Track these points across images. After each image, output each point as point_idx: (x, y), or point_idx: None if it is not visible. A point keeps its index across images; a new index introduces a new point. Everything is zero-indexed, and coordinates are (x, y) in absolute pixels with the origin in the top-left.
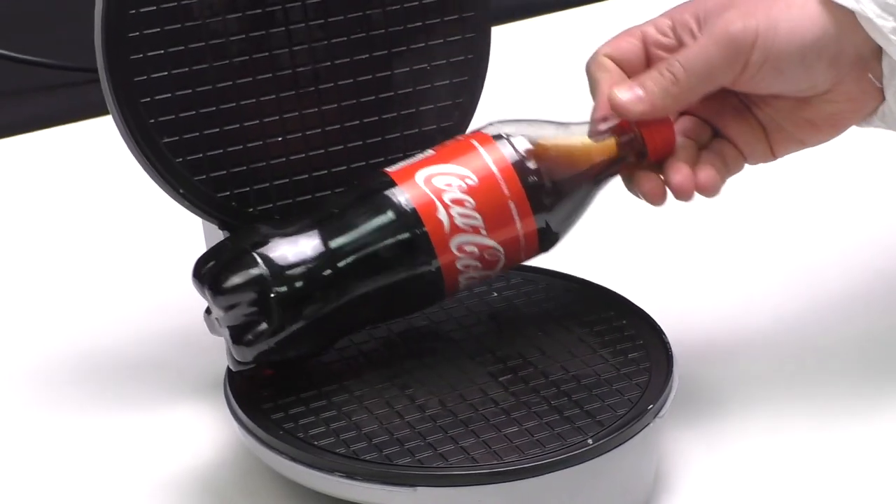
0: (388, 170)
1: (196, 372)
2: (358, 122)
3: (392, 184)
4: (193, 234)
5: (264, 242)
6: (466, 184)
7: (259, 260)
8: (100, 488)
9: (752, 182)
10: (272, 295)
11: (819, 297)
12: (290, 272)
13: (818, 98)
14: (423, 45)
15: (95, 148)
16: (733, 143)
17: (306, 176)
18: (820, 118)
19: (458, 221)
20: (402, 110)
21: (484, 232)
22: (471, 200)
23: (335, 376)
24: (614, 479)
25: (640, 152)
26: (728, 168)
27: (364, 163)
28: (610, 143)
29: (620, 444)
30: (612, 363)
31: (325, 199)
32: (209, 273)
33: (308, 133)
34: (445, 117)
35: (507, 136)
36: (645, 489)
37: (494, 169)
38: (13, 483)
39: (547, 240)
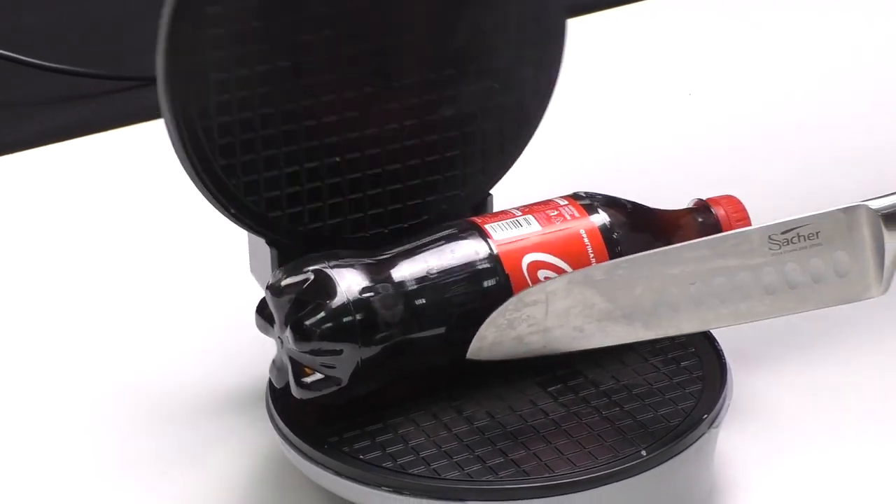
0: (492, 237)
1: (237, 385)
2: (417, 140)
3: (497, 261)
4: (236, 240)
5: (363, 292)
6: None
7: (356, 319)
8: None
9: (811, 188)
10: (358, 362)
11: (875, 306)
12: (378, 336)
13: None
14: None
15: (132, 155)
16: None
17: (360, 195)
18: None
19: None
20: (456, 131)
21: None
22: None
23: (380, 389)
24: (668, 492)
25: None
26: None
27: (420, 181)
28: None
29: (674, 456)
30: (664, 372)
31: (420, 247)
32: (300, 314)
33: (366, 153)
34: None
35: (615, 232)
36: (701, 500)
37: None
38: (56, 494)
39: None
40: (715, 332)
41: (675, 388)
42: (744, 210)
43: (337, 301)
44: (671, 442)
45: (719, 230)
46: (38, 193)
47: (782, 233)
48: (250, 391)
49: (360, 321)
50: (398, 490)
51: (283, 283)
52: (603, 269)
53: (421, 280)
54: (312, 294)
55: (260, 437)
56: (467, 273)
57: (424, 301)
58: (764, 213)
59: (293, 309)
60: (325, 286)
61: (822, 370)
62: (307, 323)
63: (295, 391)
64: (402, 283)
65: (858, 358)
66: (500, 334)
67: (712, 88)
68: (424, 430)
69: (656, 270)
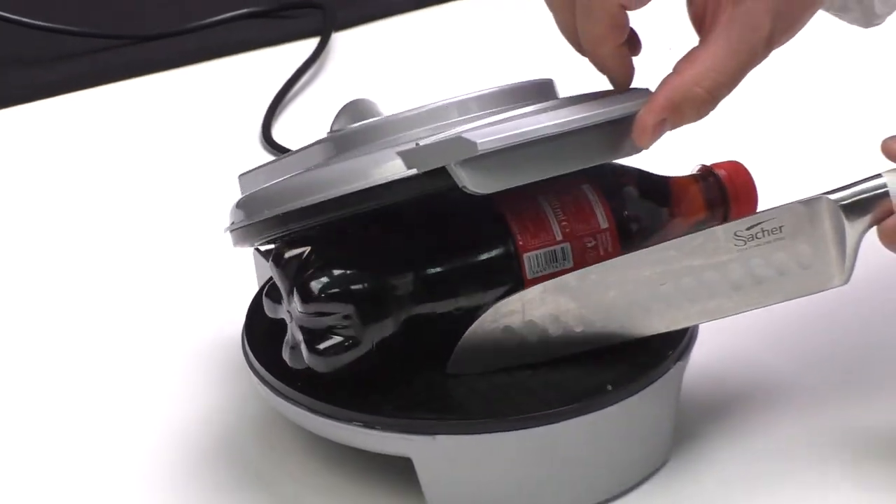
0: (525, 273)
1: (213, 330)
2: None
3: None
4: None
5: (369, 252)
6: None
7: (364, 275)
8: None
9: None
10: (371, 323)
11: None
12: (388, 294)
13: None
14: None
15: (119, 111)
16: None
17: None
18: None
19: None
20: None
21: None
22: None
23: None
24: (633, 426)
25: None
26: None
27: None
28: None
29: (641, 390)
30: None
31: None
32: (305, 274)
33: None
34: None
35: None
36: (665, 437)
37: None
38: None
39: None
40: None
41: None
42: (748, 174)
43: (342, 260)
44: (637, 377)
45: (725, 196)
46: (26, 149)
47: (747, 228)
48: (227, 335)
49: (367, 277)
50: (370, 425)
51: (287, 253)
52: (576, 276)
53: (429, 245)
54: (316, 257)
55: (237, 379)
56: (485, 261)
57: (432, 264)
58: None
59: (298, 272)
60: (330, 249)
61: (795, 317)
62: (312, 281)
63: (310, 360)
64: (410, 246)
65: (830, 318)
66: (478, 346)
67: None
68: (397, 372)
69: (627, 274)
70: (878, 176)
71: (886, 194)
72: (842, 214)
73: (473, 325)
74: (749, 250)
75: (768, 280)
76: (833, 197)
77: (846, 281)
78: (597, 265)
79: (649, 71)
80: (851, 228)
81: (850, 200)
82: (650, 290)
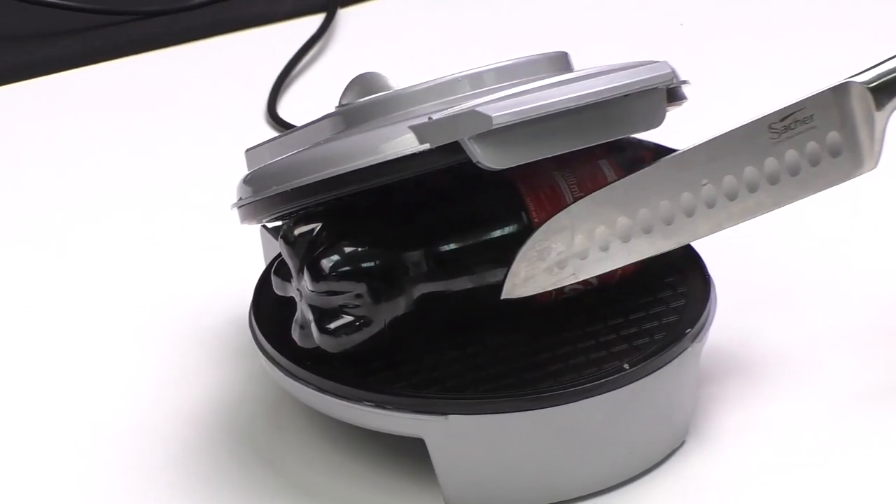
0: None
1: (218, 308)
2: None
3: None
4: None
5: (380, 230)
6: None
7: (375, 252)
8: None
9: None
10: (382, 300)
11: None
12: (399, 271)
13: None
14: None
15: (120, 88)
16: None
17: None
18: None
19: None
20: None
21: None
22: None
23: None
24: (651, 406)
25: None
26: None
27: None
28: None
29: (657, 370)
30: (648, 287)
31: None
32: (315, 252)
33: None
34: None
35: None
36: (683, 417)
37: None
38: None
39: None
40: (699, 250)
41: (658, 304)
42: None
43: (354, 237)
44: (654, 356)
45: None
46: (24, 129)
47: (780, 120)
48: (236, 312)
49: (379, 254)
50: (381, 405)
51: (297, 230)
52: (621, 185)
53: (442, 221)
54: (327, 234)
55: (245, 358)
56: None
57: (445, 240)
58: None
59: (308, 250)
60: (340, 226)
61: (813, 294)
62: (323, 259)
63: (321, 341)
64: (422, 222)
65: (848, 298)
66: (531, 268)
67: (704, 17)
68: (409, 351)
69: (669, 176)
70: None
71: None
72: (870, 96)
73: (524, 246)
74: (783, 142)
75: (803, 170)
76: (859, 80)
77: (875, 165)
78: (639, 171)
79: (661, 45)
80: (880, 110)
81: (877, 83)
82: (692, 191)
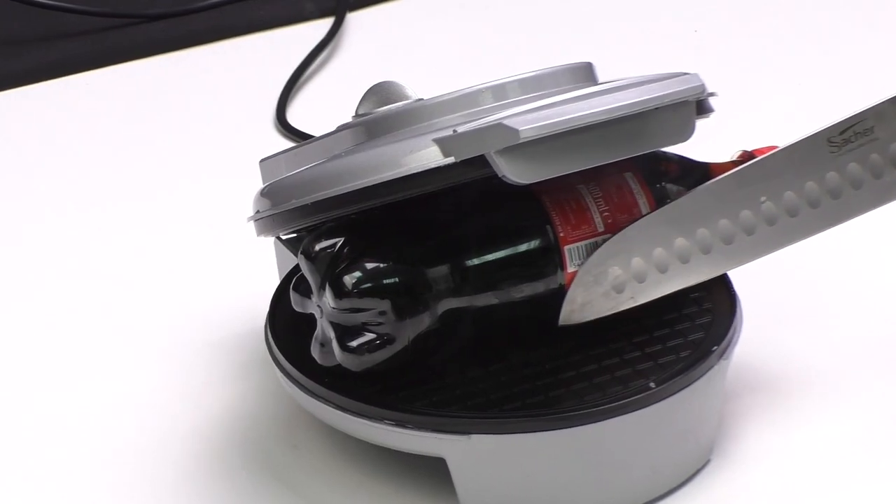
0: (567, 265)
1: (232, 322)
2: None
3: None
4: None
5: (403, 245)
6: None
7: (398, 269)
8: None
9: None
10: (406, 318)
11: None
12: (422, 289)
13: None
14: None
15: (121, 93)
16: None
17: None
18: None
19: None
20: None
21: None
22: None
23: None
24: (677, 424)
25: None
26: None
27: None
28: None
29: (683, 388)
30: (673, 303)
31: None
32: (337, 269)
33: None
34: None
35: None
36: (709, 435)
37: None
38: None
39: None
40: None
41: (683, 321)
42: None
43: (377, 253)
44: (680, 374)
45: None
46: (28, 134)
47: (840, 133)
48: (250, 325)
49: (403, 271)
50: (402, 424)
51: (317, 245)
52: (677, 204)
53: (467, 236)
54: (349, 250)
55: (262, 374)
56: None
57: (469, 255)
58: None
59: (330, 266)
60: (363, 241)
61: (838, 313)
62: (346, 276)
63: (342, 359)
64: (447, 238)
65: (877, 314)
66: (588, 293)
67: (717, 23)
68: (430, 368)
69: (727, 194)
70: None
71: None
72: None
73: (580, 271)
74: (844, 156)
75: (866, 183)
76: None
77: None
78: (694, 190)
79: (677, 53)
80: None
81: None
82: (752, 209)
